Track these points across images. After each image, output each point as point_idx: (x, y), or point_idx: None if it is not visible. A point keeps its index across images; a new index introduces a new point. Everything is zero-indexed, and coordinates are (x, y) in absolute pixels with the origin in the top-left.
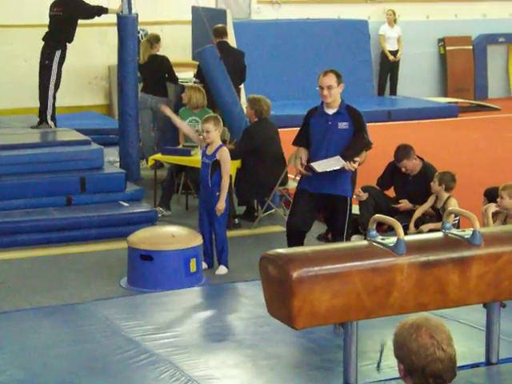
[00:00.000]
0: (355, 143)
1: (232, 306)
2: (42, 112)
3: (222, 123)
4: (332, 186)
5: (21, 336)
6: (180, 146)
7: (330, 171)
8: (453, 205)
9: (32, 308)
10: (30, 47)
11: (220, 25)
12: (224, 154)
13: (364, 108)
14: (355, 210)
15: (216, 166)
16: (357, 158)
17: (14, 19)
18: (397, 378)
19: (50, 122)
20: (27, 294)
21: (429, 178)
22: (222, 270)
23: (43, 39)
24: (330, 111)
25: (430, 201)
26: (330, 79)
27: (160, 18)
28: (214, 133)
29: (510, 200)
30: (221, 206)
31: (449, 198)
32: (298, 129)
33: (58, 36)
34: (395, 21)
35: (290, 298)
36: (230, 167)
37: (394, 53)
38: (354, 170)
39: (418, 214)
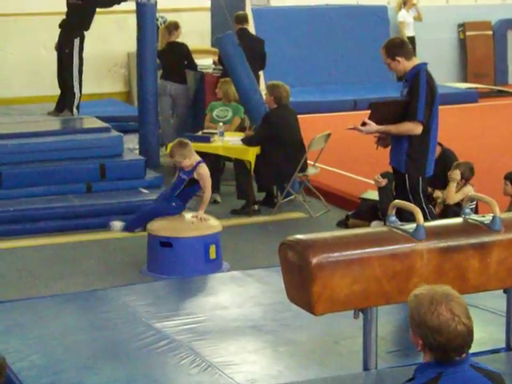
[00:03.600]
0: None
1: (251, 293)
2: (68, 100)
3: (189, 145)
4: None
5: (41, 322)
6: (199, 133)
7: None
8: (466, 191)
9: (52, 294)
10: (49, 35)
11: (241, 12)
12: (201, 172)
13: (384, 93)
14: (375, 195)
15: (192, 182)
16: (368, 121)
17: (33, 7)
18: (417, 364)
19: (74, 110)
20: (48, 280)
21: (448, 164)
22: (115, 225)
23: (60, 26)
24: None
25: (453, 186)
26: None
27: (179, 4)
28: (185, 160)
29: None
30: (200, 214)
31: (465, 184)
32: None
33: (76, 24)
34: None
35: (310, 284)
36: (209, 180)
37: (411, 39)
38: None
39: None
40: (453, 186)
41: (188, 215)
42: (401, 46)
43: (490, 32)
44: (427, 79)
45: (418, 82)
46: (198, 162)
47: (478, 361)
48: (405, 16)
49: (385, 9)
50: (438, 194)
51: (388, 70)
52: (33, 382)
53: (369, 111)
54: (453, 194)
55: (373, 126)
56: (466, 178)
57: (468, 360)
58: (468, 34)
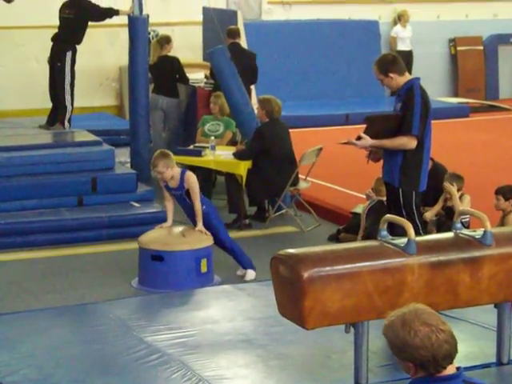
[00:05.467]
0: None
1: (243, 307)
2: (60, 114)
3: (170, 156)
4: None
5: (33, 336)
6: (191, 147)
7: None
8: (466, 202)
9: (44, 308)
10: (41, 48)
11: (233, 26)
12: (189, 179)
13: (375, 108)
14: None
15: (182, 195)
16: (363, 135)
17: (25, 21)
18: (408, 378)
19: (66, 123)
20: (39, 294)
21: (439, 178)
22: (249, 274)
23: (52, 39)
24: None
25: (441, 202)
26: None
27: (171, 18)
28: (168, 170)
29: (506, 202)
30: (199, 227)
31: (462, 194)
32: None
33: (68, 38)
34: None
35: (301, 298)
36: (197, 189)
37: (408, 53)
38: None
39: (430, 216)
40: (457, 200)
41: (179, 228)
42: (393, 62)
43: (481, 47)
44: (421, 93)
45: (412, 96)
46: (183, 172)
47: (470, 375)
48: (399, 31)
49: (376, 24)
50: (426, 216)
51: (381, 85)
52: None
53: (361, 125)
54: (460, 206)
55: (368, 140)
56: (459, 188)
57: (461, 375)
58: (459, 49)
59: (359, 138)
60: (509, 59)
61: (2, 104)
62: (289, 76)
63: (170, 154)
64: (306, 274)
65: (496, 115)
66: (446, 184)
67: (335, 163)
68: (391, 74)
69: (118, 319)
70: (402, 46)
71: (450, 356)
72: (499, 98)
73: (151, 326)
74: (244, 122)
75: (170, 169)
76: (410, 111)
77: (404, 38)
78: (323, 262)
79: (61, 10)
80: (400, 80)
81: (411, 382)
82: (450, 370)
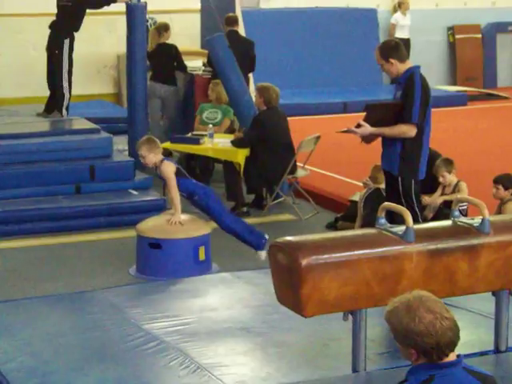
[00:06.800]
0: None
1: (241, 294)
2: (57, 101)
3: (156, 143)
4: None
5: (30, 324)
6: (189, 135)
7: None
8: (463, 189)
9: (41, 296)
10: (38, 36)
11: (231, 14)
12: (163, 170)
13: (374, 96)
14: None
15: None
16: (363, 123)
17: (23, 8)
18: (406, 366)
19: (64, 111)
20: (36, 281)
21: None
22: (261, 254)
23: (50, 27)
24: None
25: (440, 190)
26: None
27: (169, 6)
28: (150, 155)
29: (505, 191)
30: (177, 218)
31: (459, 181)
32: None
33: (66, 25)
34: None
35: (299, 286)
36: (173, 180)
37: (405, 41)
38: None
39: (430, 201)
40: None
41: (167, 217)
42: (395, 48)
43: (479, 35)
44: (421, 81)
45: (412, 84)
46: (161, 161)
47: (468, 363)
48: (399, 19)
49: (374, 11)
50: (426, 201)
51: (381, 71)
52: (21, 383)
53: (359, 113)
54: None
55: (367, 128)
56: (449, 171)
57: (461, 363)
58: (457, 37)
59: (359, 126)
60: (507, 47)
61: (0, 92)
62: (287, 64)
63: (157, 141)
64: (304, 262)
65: (494, 103)
66: (445, 176)
67: (333, 151)
68: (392, 60)
69: (116, 307)
70: (400, 34)
71: (452, 343)
72: (497, 86)
73: (149, 314)
74: (242, 110)
75: (152, 154)
76: (410, 99)
77: (403, 26)
78: (321, 249)
79: None
80: (400, 67)
81: (412, 368)
82: (451, 357)
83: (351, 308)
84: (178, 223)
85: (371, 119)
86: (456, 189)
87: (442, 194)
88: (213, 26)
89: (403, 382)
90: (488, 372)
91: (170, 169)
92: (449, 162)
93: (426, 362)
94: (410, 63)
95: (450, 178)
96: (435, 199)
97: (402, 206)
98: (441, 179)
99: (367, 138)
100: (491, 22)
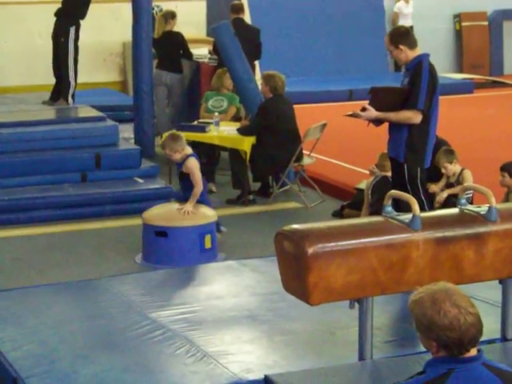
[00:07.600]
0: None
1: (247, 282)
2: (63, 89)
3: (179, 140)
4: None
5: (36, 311)
6: (195, 123)
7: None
8: (468, 177)
9: (47, 284)
10: (44, 24)
11: (237, 1)
12: (189, 166)
13: (379, 83)
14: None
15: (184, 175)
16: (368, 106)
17: None
18: (413, 354)
19: (69, 99)
20: (43, 269)
21: None
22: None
23: (55, 15)
24: None
25: (445, 178)
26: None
27: None
28: (175, 154)
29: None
30: (189, 207)
31: (463, 170)
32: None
33: (72, 13)
34: None
35: (306, 274)
36: (198, 175)
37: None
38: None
39: (437, 188)
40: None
41: (177, 205)
42: (405, 35)
43: (486, 23)
44: (429, 69)
45: (420, 71)
46: (188, 156)
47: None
48: (402, 7)
49: None
50: (433, 188)
51: (390, 57)
52: (28, 371)
53: (365, 101)
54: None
55: (372, 111)
56: (451, 161)
57: (481, 358)
58: (464, 24)
59: (364, 110)
60: None
61: (6, 80)
62: (292, 52)
63: (181, 136)
64: (310, 250)
65: (500, 91)
66: (447, 167)
67: (339, 139)
68: (401, 46)
69: (122, 295)
70: (403, 22)
71: (475, 339)
72: (504, 73)
73: (155, 302)
74: (248, 98)
75: (177, 153)
76: (417, 85)
77: (406, 14)
78: (328, 237)
79: None
80: (410, 54)
81: (431, 360)
82: (472, 352)
83: (357, 296)
84: (190, 212)
85: (376, 103)
86: (460, 177)
87: (447, 183)
88: (219, 13)
89: (421, 374)
90: (509, 368)
91: (195, 164)
92: (449, 153)
93: (446, 355)
94: (419, 50)
95: (452, 168)
96: (440, 194)
97: (408, 194)
98: (443, 170)
99: (375, 121)
100: (498, 9)
